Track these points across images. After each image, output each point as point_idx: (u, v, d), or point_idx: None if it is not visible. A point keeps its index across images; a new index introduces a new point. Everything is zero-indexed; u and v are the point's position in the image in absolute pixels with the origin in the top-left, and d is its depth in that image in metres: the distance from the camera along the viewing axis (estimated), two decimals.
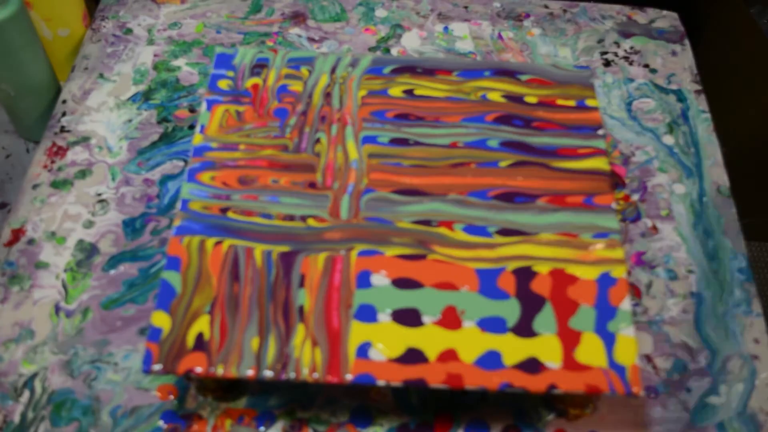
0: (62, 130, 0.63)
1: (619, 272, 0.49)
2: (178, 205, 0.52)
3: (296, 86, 0.59)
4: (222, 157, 0.54)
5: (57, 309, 0.54)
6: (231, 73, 0.59)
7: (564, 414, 0.50)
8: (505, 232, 0.51)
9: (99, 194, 0.59)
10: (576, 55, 0.71)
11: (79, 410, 0.49)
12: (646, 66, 0.70)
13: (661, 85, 0.69)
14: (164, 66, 0.68)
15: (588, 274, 0.49)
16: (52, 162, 0.61)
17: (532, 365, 0.46)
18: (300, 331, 0.47)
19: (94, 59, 0.68)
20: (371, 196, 0.53)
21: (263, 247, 0.50)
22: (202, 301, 0.48)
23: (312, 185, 0.53)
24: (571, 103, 0.58)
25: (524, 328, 0.47)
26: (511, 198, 0.53)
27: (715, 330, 0.54)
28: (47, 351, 0.52)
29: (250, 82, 0.59)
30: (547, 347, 0.46)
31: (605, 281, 0.49)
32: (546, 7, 0.75)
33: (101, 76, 0.67)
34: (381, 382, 0.45)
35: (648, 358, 0.53)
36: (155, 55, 0.69)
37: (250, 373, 0.45)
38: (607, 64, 0.70)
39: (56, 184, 0.60)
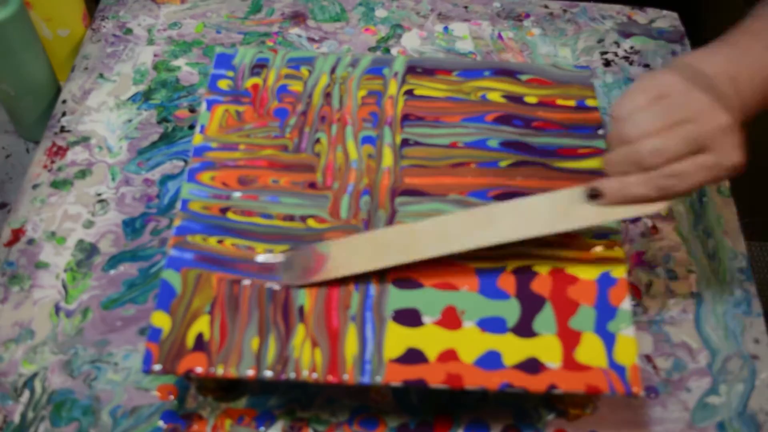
0: (62, 130, 0.63)
1: (619, 272, 0.49)
2: (178, 205, 0.52)
3: (296, 86, 0.59)
4: (222, 157, 0.54)
5: (57, 309, 0.54)
6: (231, 73, 0.59)
7: (564, 414, 0.50)
8: None
9: (99, 194, 0.59)
10: (576, 55, 0.71)
11: (79, 410, 0.49)
12: (646, 66, 0.70)
13: None
14: (164, 66, 0.68)
15: (588, 274, 0.49)
16: (52, 162, 0.61)
17: (532, 365, 0.46)
18: (300, 332, 0.47)
19: (94, 59, 0.68)
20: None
21: (264, 246, 0.50)
22: (202, 301, 0.48)
23: (312, 185, 0.53)
24: (571, 103, 0.58)
25: (524, 328, 0.47)
26: (511, 198, 0.53)
27: (715, 330, 0.54)
28: (47, 351, 0.52)
29: (250, 82, 0.59)
30: (547, 347, 0.46)
31: (605, 281, 0.49)
32: (546, 7, 0.75)
33: (101, 76, 0.67)
34: (381, 382, 0.45)
35: (648, 358, 0.53)
36: (155, 55, 0.69)
37: (250, 373, 0.45)
38: (607, 64, 0.70)
39: (56, 184, 0.60)
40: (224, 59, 0.60)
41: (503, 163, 0.55)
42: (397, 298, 0.48)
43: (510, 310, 0.48)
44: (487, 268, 0.50)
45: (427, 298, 0.48)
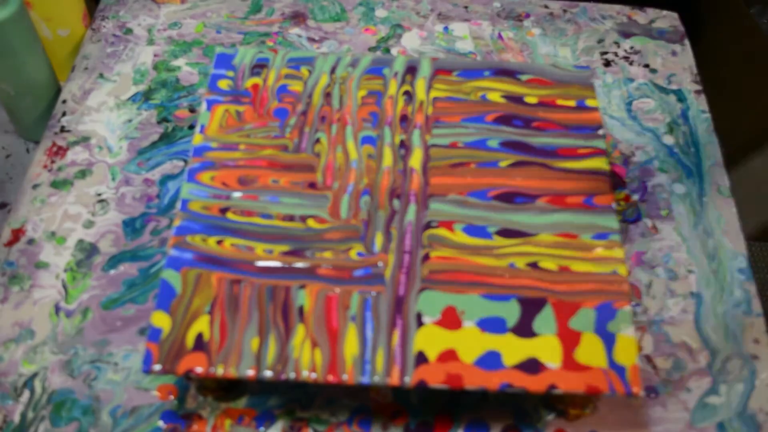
0: (62, 130, 0.63)
1: (619, 272, 0.49)
2: (178, 205, 0.52)
3: (296, 86, 0.59)
4: (222, 157, 0.54)
5: (57, 309, 0.54)
6: (231, 73, 0.59)
7: (564, 414, 0.50)
8: (505, 232, 0.51)
9: (99, 194, 0.59)
10: (576, 55, 0.71)
11: (79, 410, 0.49)
12: (646, 66, 0.70)
13: (661, 85, 0.69)
14: (164, 66, 0.68)
15: None
16: (52, 162, 0.61)
17: (532, 365, 0.46)
18: (300, 332, 0.47)
19: (94, 59, 0.68)
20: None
21: (263, 246, 0.50)
22: (202, 301, 0.48)
23: (312, 185, 0.53)
24: (571, 103, 0.58)
25: (524, 329, 0.47)
26: (511, 198, 0.53)
27: (715, 330, 0.54)
28: (47, 351, 0.52)
29: (250, 82, 0.59)
30: (547, 347, 0.46)
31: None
32: (546, 7, 0.75)
33: (101, 76, 0.67)
34: (380, 383, 0.45)
35: (648, 358, 0.53)
36: (155, 55, 0.69)
37: (250, 373, 0.45)
38: (607, 64, 0.70)
39: (56, 184, 0.60)
40: (224, 59, 0.60)
41: (503, 163, 0.55)
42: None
43: (510, 310, 0.48)
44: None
45: (427, 298, 0.48)
